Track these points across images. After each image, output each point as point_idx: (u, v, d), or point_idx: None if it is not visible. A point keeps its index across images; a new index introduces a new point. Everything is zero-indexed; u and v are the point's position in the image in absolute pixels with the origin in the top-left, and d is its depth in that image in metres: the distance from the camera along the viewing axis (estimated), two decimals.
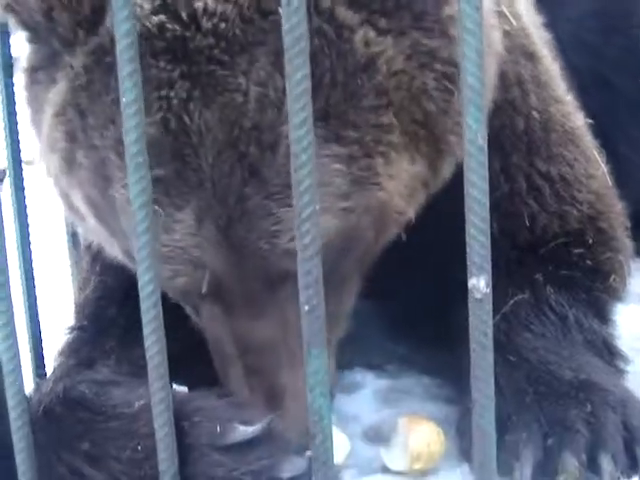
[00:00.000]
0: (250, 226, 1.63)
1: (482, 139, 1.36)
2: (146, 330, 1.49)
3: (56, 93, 1.71)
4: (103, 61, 1.63)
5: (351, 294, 1.90)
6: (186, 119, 1.59)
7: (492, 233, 2.02)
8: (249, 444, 1.57)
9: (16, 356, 1.57)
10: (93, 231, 1.86)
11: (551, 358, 1.87)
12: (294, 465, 1.56)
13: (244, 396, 1.75)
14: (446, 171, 1.80)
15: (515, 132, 2.08)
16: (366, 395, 2.16)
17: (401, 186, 1.73)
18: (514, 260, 2.09)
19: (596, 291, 2.08)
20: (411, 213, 1.79)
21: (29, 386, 1.87)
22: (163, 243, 1.65)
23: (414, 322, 2.22)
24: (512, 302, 1.98)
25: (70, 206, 1.85)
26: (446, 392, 2.12)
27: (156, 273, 1.47)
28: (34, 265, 1.98)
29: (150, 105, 1.56)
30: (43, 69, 1.74)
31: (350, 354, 2.08)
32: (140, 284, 1.47)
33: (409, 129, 1.69)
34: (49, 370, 1.96)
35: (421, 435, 1.81)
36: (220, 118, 1.59)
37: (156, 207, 1.58)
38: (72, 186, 1.77)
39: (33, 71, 1.77)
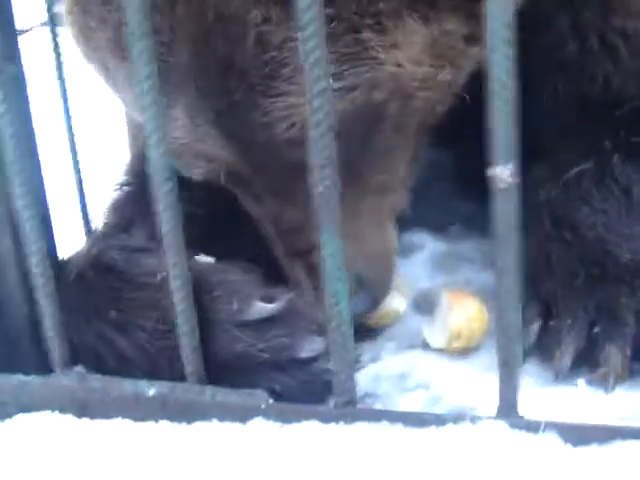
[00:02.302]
0: (241, 120, 1.56)
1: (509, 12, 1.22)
2: (160, 206, 1.46)
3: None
4: None
5: (403, 164, 1.80)
6: (156, 17, 1.49)
7: (558, 95, 1.95)
8: (268, 321, 1.54)
9: (36, 216, 1.56)
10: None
11: (610, 237, 1.74)
12: (312, 345, 1.53)
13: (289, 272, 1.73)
14: None
15: None
16: (421, 259, 2.09)
17: (415, 52, 1.58)
18: (583, 124, 1.93)
19: None
20: (444, 77, 1.64)
21: (80, 241, 1.90)
22: (170, 140, 1.57)
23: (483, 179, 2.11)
24: (575, 172, 1.84)
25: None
26: None
27: (167, 149, 1.42)
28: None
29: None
30: None
31: (410, 212, 1.97)
32: (151, 159, 1.43)
33: None
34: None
35: (463, 312, 1.74)
36: (187, 12, 1.50)
37: None
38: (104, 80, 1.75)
39: None
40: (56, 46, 1.89)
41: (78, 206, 1.94)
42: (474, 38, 1.61)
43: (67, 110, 1.90)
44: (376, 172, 1.73)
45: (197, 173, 1.69)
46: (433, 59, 1.62)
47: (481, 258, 2.08)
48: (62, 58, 1.90)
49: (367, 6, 1.52)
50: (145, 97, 1.38)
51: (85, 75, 1.85)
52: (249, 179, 1.68)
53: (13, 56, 1.60)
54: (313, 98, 1.30)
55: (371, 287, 1.72)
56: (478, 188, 2.08)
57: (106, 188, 2.02)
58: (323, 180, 1.35)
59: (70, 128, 1.90)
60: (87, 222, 1.93)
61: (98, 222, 1.94)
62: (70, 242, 1.82)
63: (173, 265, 1.48)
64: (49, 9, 1.90)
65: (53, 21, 1.89)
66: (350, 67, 1.54)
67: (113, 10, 1.55)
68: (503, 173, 1.28)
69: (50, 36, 1.88)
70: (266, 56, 1.50)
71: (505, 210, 1.31)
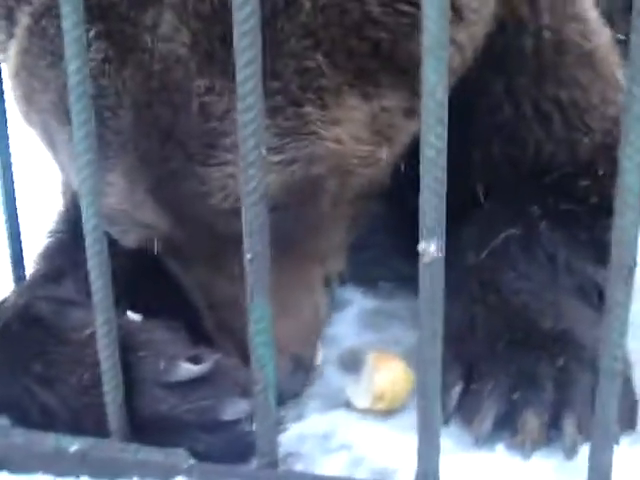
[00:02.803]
0: (178, 188, 1.57)
1: (442, 92, 1.25)
2: (90, 263, 1.46)
3: (12, 52, 1.65)
4: (40, 24, 1.58)
5: (340, 231, 1.82)
6: (103, 81, 1.52)
7: (492, 159, 1.98)
8: (194, 382, 1.54)
9: None
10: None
11: (533, 303, 1.78)
12: (236, 407, 1.53)
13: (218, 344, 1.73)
14: None
15: (522, 53, 1.91)
16: (350, 316, 2.10)
17: (356, 129, 1.61)
18: (513, 189, 1.97)
19: (597, 230, 1.94)
20: (383, 154, 1.67)
21: (8, 288, 1.89)
22: (105, 205, 1.59)
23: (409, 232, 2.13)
24: (502, 237, 1.88)
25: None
26: None
27: (98, 209, 1.42)
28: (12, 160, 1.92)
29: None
30: (4, 21, 1.67)
31: (345, 267, 2.01)
32: (84, 217, 1.43)
33: (350, 66, 1.55)
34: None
35: (387, 374, 1.75)
36: (134, 79, 1.51)
37: None
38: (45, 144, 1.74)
39: None
40: None
41: (7, 251, 1.93)
42: (413, 112, 1.63)
43: (3, 152, 1.88)
44: (310, 241, 1.75)
45: (131, 239, 1.69)
46: (373, 136, 1.64)
47: (411, 316, 2.09)
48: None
49: (310, 81, 1.54)
50: (80, 158, 1.39)
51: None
52: (183, 248, 1.68)
53: None
54: (247, 167, 1.32)
55: (307, 366, 1.74)
56: (410, 244, 2.14)
57: (38, 234, 2.00)
58: (254, 247, 1.36)
59: (6, 169, 1.88)
60: (17, 268, 1.91)
61: (29, 269, 1.92)
62: None
63: (102, 324, 1.49)
64: None
65: None
66: (291, 141, 1.56)
67: (60, 74, 1.54)
68: (429, 247, 1.31)
69: None
70: (207, 126, 1.51)
71: (430, 283, 1.34)
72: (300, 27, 1.51)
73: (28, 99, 1.67)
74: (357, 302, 2.15)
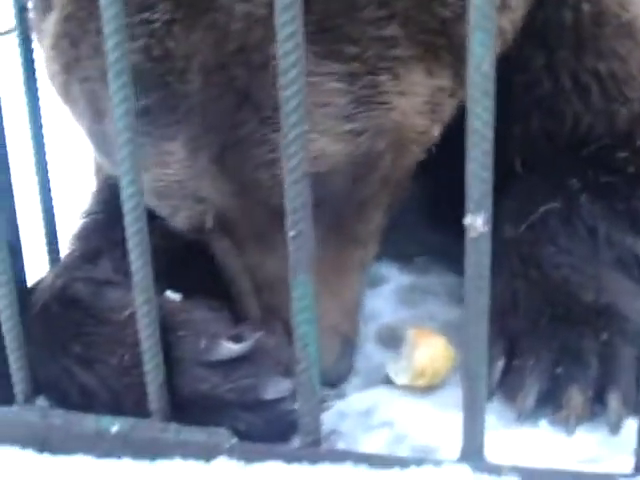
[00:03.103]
0: (246, 155, 1.54)
1: (489, 65, 1.23)
2: (130, 242, 1.45)
3: (50, 23, 1.62)
4: None
5: (381, 214, 1.81)
6: (170, 43, 1.48)
7: (530, 133, 1.96)
8: (236, 361, 1.53)
9: (6, 246, 1.54)
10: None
11: (574, 277, 1.76)
12: (279, 387, 1.52)
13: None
14: None
15: (562, 26, 1.90)
16: (386, 292, 2.09)
17: (419, 103, 1.60)
18: (551, 162, 1.95)
19: (635, 201, 1.92)
20: (435, 131, 1.67)
21: (43, 270, 1.87)
22: (157, 178, 1.58)
23: (455, 210, 2.11)
24: (542, 210, 1.86)
25: None
26: None
27: (140, 187, 1.40)
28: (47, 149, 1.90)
29: (132, 30, 1.46)
30: None
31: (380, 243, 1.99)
32: (123, 196, 1.41)
33: (421, 39, 1.55)
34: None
35: (428, 350, 1.74)
36: (205, 40, 1.47)
37: (147, 139, 1.53)
38: (73, 116, 1.70)
39: None
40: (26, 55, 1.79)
41: (42, 231, 1.91)
42: (455, 93, 1.64)
43: (37, 133, 1.85)
44: (356, 223, 1.73)
45: (181, 216, 1.65)
46: (429, 112, 1.64)
47: (446, 292, 2.09)
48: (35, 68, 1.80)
49: (385, 50, 1.53)
50: (120, 136, 1.37)
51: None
52: (236, 225, 1.65)
53: None
54: (289, 144, 1.30)
55: (353, 348, 1.73)
56: (446, 220, 2.12)
57: (73, 215, 1.99)
58: (297, 224, 1.35)
59: (39, 150, 1.84)
60: (53, 250, 1.90)
61: (64, 251, 1.91)
62: (32, 269, 1.80)
63: (142, 303, 1.47)
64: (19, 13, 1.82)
65: (23, 27, 1.78)
66: (364, 110, 1.54)
67: None
68: (476, 222, 1.29)
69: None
70: None
71: (477, 258, 1.31)
72: None
73: (69, 69, 1.62)
74: (393, 278, 2.14)
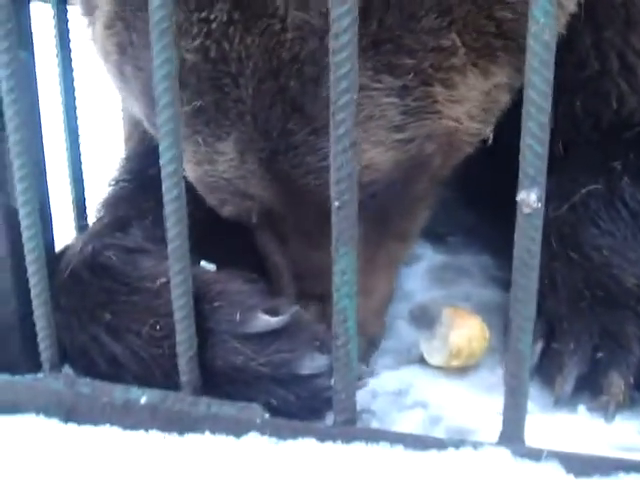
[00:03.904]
0: (295, 161, 1.52)
1: (549, 35, 1.18)
2: (166, 210, 1.41)
3: (105, 2, 1.59)
4: None
5: (426, 210, 1.80)
6: (225, 45, 1.45)
7: (574, 112, 1.91)
8: (271, 335, 1.49)
9: (35, 212, 1.51)
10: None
11: (615, 260, 1.72)
12: (315, 362, 1.48)
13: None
14: None
15: (612, 4, 1.85)
16: (420, 271, 2.05)
17: (472, 108, 1.58)
18: (594, 144, 1.90)
19: None
20: (487, 132, 1.64)
21: (70, 236, 1.83)
22: (208, 173, 1.57)
23: (490, 190, 2.06)
24: (584, 192, 1.81)
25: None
26: (505, 276, 1.99)
27: (177, 154, 1.36)
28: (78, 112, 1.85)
29: (190, 28, 1.45)
30: None
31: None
32: (162, 163, 1.37)
33: (478, 45, 1.52)
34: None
35: (464, 331, 1.69)
36: (259, 46, 1.44)
37: (199, 138, 1.53)
38: (126, 93, 1.69)
39: None
40: (61, 26, 1.78)
41: (69, 198, 1.87)
42: (512, 87, 1.62)
43: (68, 101, 1.81)
44: (402, 222, 1.72)
45: (227, 210, 1.65)
46: (483, 113, 1.61)
47: (480, 272, 2.05)
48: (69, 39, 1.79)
49: (442, 60, 1.50)
50: (160, 100, 1.33)
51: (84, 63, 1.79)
52: (281, 219, 1.64)
53: (26, 42, 1.54)
54: (336, 111, 1.26)
55: (376, 347, 1.73)
56: (480, 200, 2.08)
57: (99, 182, 1.94)
58: (341, 195, 1.30)
59: (70, 115, 1.81)
60: (81, 216, 1.86)
61: (91, 218, 1.86)
62: (59, 234, 1.76)
63: (176, 272, 1.43)
64: None
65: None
66: (414, 120, 1.52)
67: None
68: (529, 198, 1.24)
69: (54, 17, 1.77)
70: None
71: (527, 235, 1.27)
72: (438, 3, 1.46)
73: (124, 51, 1.59)
74: (427, 257, 2.11)
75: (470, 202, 2.13)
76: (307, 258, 1.67)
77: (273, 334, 1.49)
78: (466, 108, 1.57)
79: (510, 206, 1.89)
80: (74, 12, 1.76)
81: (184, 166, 1.48)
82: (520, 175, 1.24)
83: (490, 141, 1.69)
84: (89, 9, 1.69)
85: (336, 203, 1.31)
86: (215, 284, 1.54)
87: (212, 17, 1.45)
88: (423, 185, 1.67)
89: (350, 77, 1.25)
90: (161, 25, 1.29)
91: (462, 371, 1.71)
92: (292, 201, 1.59)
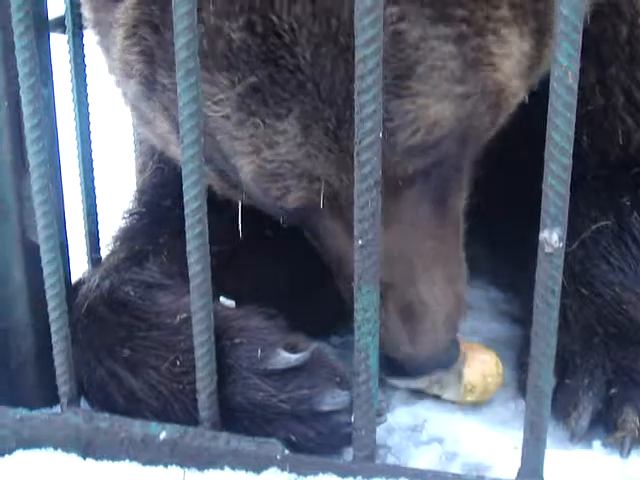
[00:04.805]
0: None
1: (573, 78, 1.20)
2: (189, 246, 1.42)
3: (124, 12, 1.55)
4: None
5: (465, 190, 1.74)
6: (273, 18, 1.42)
7: (581, 148, 1.93)
8: (291, 371, 1.50)
9: (57, 247, 1.52)
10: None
11: (626, 296, 1.74)
12: (336, 398, 1.48)
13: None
14: (546, 58, 1.61)
15: (617, 40, 1.87)
16: None
17: (515, 64, 1.56)
18: (602, 180, 1.92)
19: None
20: (523, 95, 1.62)
21: (82, 269, 1.84)
22: (267, 159, 1.50)
23: (498, 225, 2.07)
24: (594, 228, 1.83)
25: (147, 122, 1.70)
26: (513, 310, 2.02)
27: (201, 189, 1.38)
28: (92, 146, 1.87)
29: (231, 6, 1.41)
30: None
31: None
32: (185, 199, 1.39)
33: (517, 2, 1.51)
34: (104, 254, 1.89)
35: (479, 366, 1.71)
36: (313, 11, 1.41)
37: (256, 119, 1.46)
38: (154, 109, 1.62)
39: None
40: (76, 54, 1.79)
41: (81, 230, 1.88)
42: (533, 67, 1.61)
43: (83, 132, 1.82)
44: (455, 194, 1.67)
45: (293, 197, 1.56)
46: (521, 76, 1.60)
47: (489, 307, 2.06)
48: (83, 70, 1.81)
49: (492, 11, 1.49)
50: (186, 151, 1.35)
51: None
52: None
53: (47, 78, 1.56)
54: (361, 150, 1.28)
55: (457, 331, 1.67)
56: (486, 235, 2.09)
57: (111, 215, 1.95)
58: (365, 234, 1.32)
59: (85, 149, 1.83)
60: (94, 249, 1.86)
61: (104, 251, 1.87)
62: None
63: (199, 308, 1.44)
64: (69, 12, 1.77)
65: (73, 26, 1.77)
66: (473, 72, 1.50)
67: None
68: (551, 238, 1.26)
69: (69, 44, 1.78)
70: (401, 54, 1.42)
71: (549, 274, 1.29)
72: None
73: (152, 55, 1.54)
74: None
75: (478, 237, 2.14)
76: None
77: (293, 370, 1.50)
78: (512, 64, 1.55)
79: (518, 242, 1.93)
80: (90, 43, 1.77)
81: (237, 163, 1.47)
82: (542, 214, 1.26)
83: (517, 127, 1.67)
84: (105, 32, 1.65)
85: (359, 241, 1.32)
86: (236, 320, 1.55)
87: None
88: (473, 150, 1.64)
89: (375, 118, 1.27)
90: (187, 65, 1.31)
91: (475, 406, 1.72)
92: None
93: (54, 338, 1.55)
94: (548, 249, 1.27)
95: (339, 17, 1.42)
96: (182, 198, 1.41)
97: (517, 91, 1.60)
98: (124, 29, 1.56)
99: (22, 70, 1.43)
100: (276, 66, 1.43)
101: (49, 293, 1.52)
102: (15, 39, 1.42)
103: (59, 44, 1.80)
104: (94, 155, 1.86)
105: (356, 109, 1.26)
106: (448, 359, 1.65)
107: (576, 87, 1.21)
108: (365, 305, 1.36)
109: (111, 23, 1.59)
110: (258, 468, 1.49)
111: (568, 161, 1.23)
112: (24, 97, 1.45)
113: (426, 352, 1.59)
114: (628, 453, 1.57)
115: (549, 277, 1.29)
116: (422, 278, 1.59)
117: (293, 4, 1.41)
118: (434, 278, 1.60)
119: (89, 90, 1.82)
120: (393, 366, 1.59)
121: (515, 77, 1.57)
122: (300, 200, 1.56)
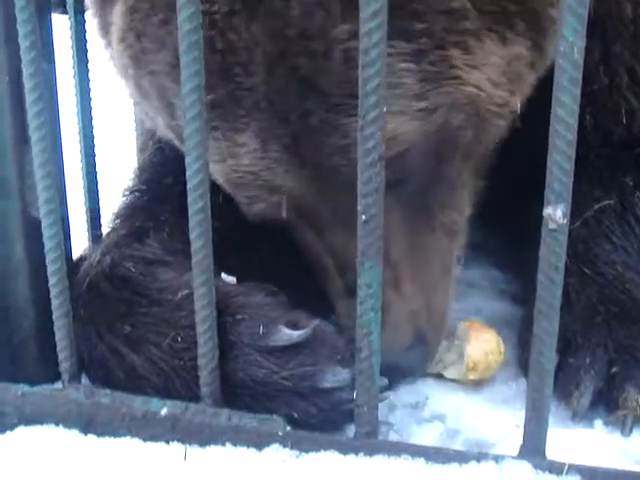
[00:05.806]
0: (318, 142, 1.50)
1: (578, 54, 1.20)
2: (191, 222, 1.41)
3: (117, 16, 1.58)
4: None
5: (466, 201, 1.76)
6: (232, 35, 1.44)
7: (585, 127, 1.92)
8: (293, 348, 1.49)
9: (57, 223, 1.51)
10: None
11: (629, 275, 1.74)
12: (337, 376, 1.48)
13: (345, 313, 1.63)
14: (553, 50, 1.60)
15: (621, 19, 1.87)
16: None
17: (494, 74, 1.55)
18: (605, 159, 1.92)
19: None
20: (516, 103, 1.62)
21: (83, 246, 1.83)
22: (232, 169, 1.55)
23: (498, 205, 2.06)
24: (596, 207, 1.83)
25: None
26: (514, 290, 2.02)
27: (204, 162, 1.37)
28: (93, 122, 1.86)
29: None
30: None
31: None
32: (188, 174, 1.38)
33: (491, 8, 1.50)
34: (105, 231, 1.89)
35: (480, 344, 1.70)
36: (265, 29, 1.43)
37: (218, 134, 1.51)
38: (148, 112, 1.67)
39: None
40: (78, 37, 1.77)
41: (81, 207, 1.87)
42: (534, 64, 1.60)
43: (85, 117, 1.81)
44: (445, 207, 1.68)
45: (257, 208, 1.63)
46: (507, 83, 1.59)
47: (490, 286, 2.06)
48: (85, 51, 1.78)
49: (454, 23, 1.48)
50: (188, 112, 1.34)
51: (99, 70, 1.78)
52: (314, 210, 1.61)
53: (48, 53, 1.55)
54: (367, 125, 1.27)
55: (428, 343, 1.65)
56: (489, 214, 2.08)
57: (111, 192, 1.94)
58: (368, 208, 1.31)
59: (86, 127, 1.81)
60: (94, 226, 1.85)
61: (104, 228, 1.86)
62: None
63: (200, 284, 1.43)
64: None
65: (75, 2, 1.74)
66: (434, 87, 1.50)
67: (173, 30, 1.41)
68: (555, 214, 1.26)
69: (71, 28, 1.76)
70: (352, 73, 1.41)
71: (552, 250, 1.28)
72: None
73: (138, 62, 1.58)
74: None
75: (479, 217, 2.14)
76: (347, 248, 1.60)
77: (295, 347, 1.49)
78: (486, 75, 1.55)
79: (518, 221, 1.93)
80: (91, 23, 1.77)
81: (211, 167, 1.47)
82: (546, 191, 1.25)
83: (519, 125, 1.68)
84: (105, 28, 1.68)
85: (363, 217, 1.32)
86: (237, 297, 1.55)
87: (215, 9, 1.44)
88: (456, 165, 1.63)
89: (378, 92, 1.26)
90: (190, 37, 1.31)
91: (477, 384, 1.72)
92: (321, 187, 1.57)
93: (55, 314, 1.54)
94: (552, 225, 1.27)
95: (287, 37, 1.43)
96: (183, 176, 1.41)
97: (504, 101, 1.59)
98: (117, 34, 1.59)
99: (23, 43, 1.41)
100: (234, 83, 1.47)
101: (50, 269, 1.52)
102: (17, 12, 1.40)
103: (60, 25, 1.80)
104: (95, 132, 1.85)
105: (360, 83, 1.25)
106: (408, 364, 1.62)
107: (582, 62, 1.20)
108: (368, 281, 1.35)
109: (109, 25, 1.62)
110: (260, 445, 1.48)
111: (573, 137, 1.22)
112: (25, 71, 1.43)
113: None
114: (630, 431, 1.57)
115: (553, 254, 1.28)
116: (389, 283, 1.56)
117: (250, 22, 1.43)
118: (402, 282, 1.61)
119: (90, 68, 1.81)
120: None
121: (497, 86, 1.56)
122: (265, 211, 1.62)
